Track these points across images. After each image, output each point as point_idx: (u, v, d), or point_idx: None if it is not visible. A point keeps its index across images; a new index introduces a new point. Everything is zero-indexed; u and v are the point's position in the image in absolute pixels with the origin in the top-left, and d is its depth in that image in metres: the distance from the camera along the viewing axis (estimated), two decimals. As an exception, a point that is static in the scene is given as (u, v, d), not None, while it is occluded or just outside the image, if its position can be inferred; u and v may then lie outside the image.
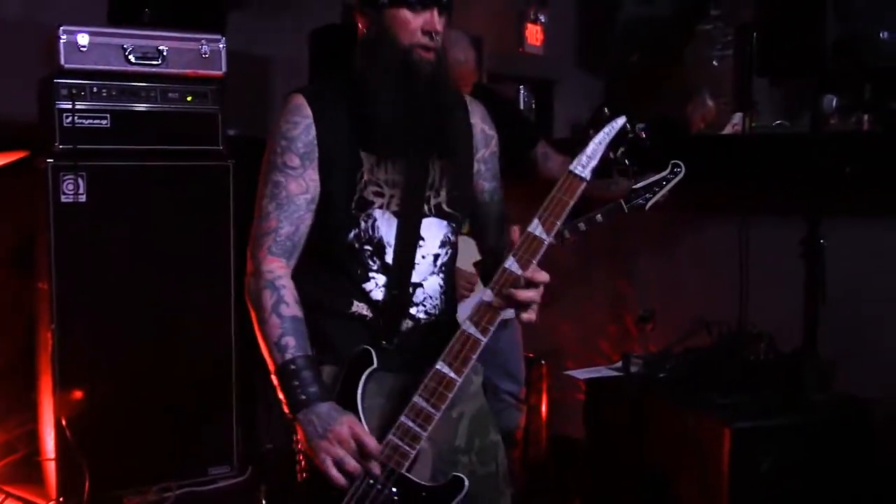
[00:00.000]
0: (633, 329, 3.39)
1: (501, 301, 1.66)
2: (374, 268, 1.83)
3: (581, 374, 2.98)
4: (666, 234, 3.53)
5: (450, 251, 1.91)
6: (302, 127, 1.79)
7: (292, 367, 1.72)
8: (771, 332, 2.79)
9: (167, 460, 3.16)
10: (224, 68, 3.23)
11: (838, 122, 3.06)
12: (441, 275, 1.89)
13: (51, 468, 3.06)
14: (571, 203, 1.67)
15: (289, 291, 1.78)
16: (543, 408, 3.60)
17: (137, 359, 3.12)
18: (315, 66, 3.63)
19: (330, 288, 1.84)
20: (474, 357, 1.67)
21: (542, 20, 4.85)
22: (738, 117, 4.08)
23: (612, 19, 4.74)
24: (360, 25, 1.85)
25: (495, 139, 1.99)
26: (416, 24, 1.77)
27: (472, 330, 1.67)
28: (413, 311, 1.85)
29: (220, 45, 3.22)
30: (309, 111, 1.80)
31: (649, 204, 2.77)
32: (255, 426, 3.41)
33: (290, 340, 1.73)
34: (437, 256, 1.88)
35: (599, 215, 2.81)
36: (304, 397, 1.70)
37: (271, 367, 1.75)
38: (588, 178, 1.68)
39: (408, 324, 1.84)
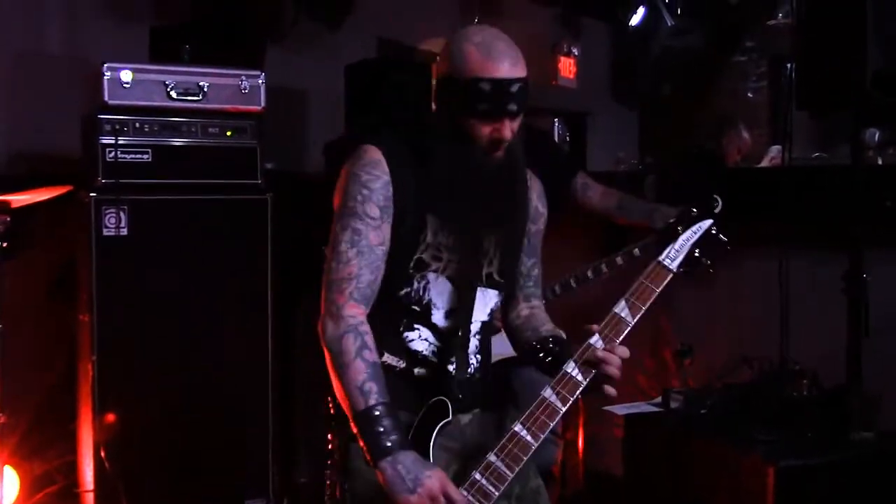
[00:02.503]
0: (671, 364, 3.35)
1: (584, 372, 1.77)
2: (421, 322, 1.89)
3: (620, 409, 2.95)
4: (704, 267, 3.48)
5: (492, 317, 1.98)
6: (381, 182, 1.83)
7: (376, 412, 1.72)
8: (813, 368, 2.75)
9: (204, 491, 3.15)
10: (263, 103, 3.27)
11: (878, 154, 3.03)
12: (479, 336, 1.95)
13: (89, 500, 3.07)
14: (658, 291, 1.85)
15: (370, 338, 1.80)
16: (580, 443, 3.56)
17: (176, 391, 3.13)
18: (350, 100, 3.66)
19: None
20: (551, 424, 1.75)
21: (575, 53, 4.87)
22: (774, 150, 4.07)
23: (645, 51, 4.74)
24: (434, 103, 1.87)
25: (544, 218, 2.05)
26: (485, 131, 1.80)
27: (552, 398, 1.75)
28: (450, 368, 1.89)
29: (260, 81, 3.26)
30: (387, 168, 1.84)
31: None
32: (291, 458, 3.40)
33: (373, 386, 1.74)
34: (482, 323, 1.95)
35: (637, 249, 2.80)
36: (388, 444, 1.70)
37: (350, 411, 1.75)
38: (675, 270, 1.88)
39: (443, 379, 1.88)
